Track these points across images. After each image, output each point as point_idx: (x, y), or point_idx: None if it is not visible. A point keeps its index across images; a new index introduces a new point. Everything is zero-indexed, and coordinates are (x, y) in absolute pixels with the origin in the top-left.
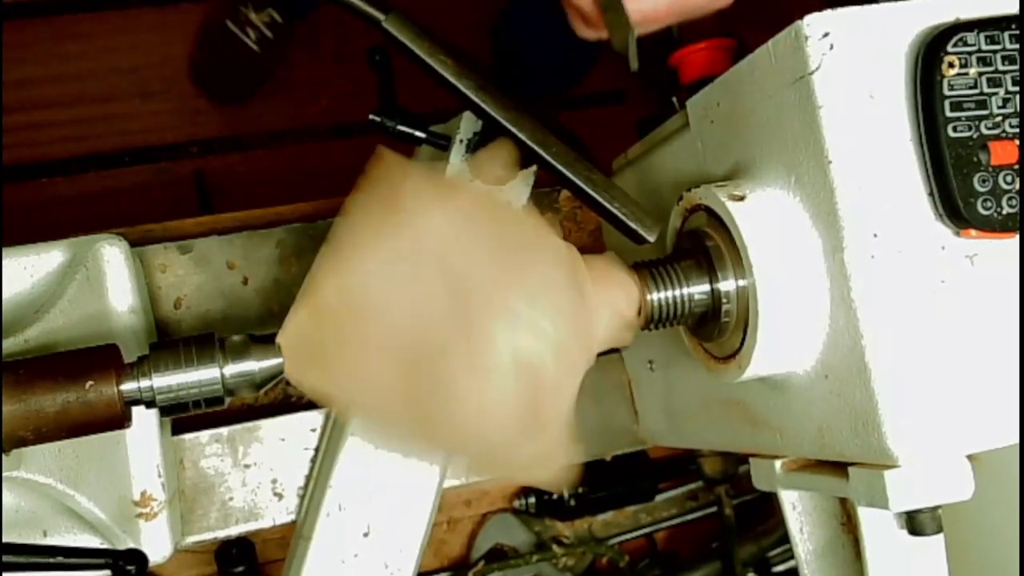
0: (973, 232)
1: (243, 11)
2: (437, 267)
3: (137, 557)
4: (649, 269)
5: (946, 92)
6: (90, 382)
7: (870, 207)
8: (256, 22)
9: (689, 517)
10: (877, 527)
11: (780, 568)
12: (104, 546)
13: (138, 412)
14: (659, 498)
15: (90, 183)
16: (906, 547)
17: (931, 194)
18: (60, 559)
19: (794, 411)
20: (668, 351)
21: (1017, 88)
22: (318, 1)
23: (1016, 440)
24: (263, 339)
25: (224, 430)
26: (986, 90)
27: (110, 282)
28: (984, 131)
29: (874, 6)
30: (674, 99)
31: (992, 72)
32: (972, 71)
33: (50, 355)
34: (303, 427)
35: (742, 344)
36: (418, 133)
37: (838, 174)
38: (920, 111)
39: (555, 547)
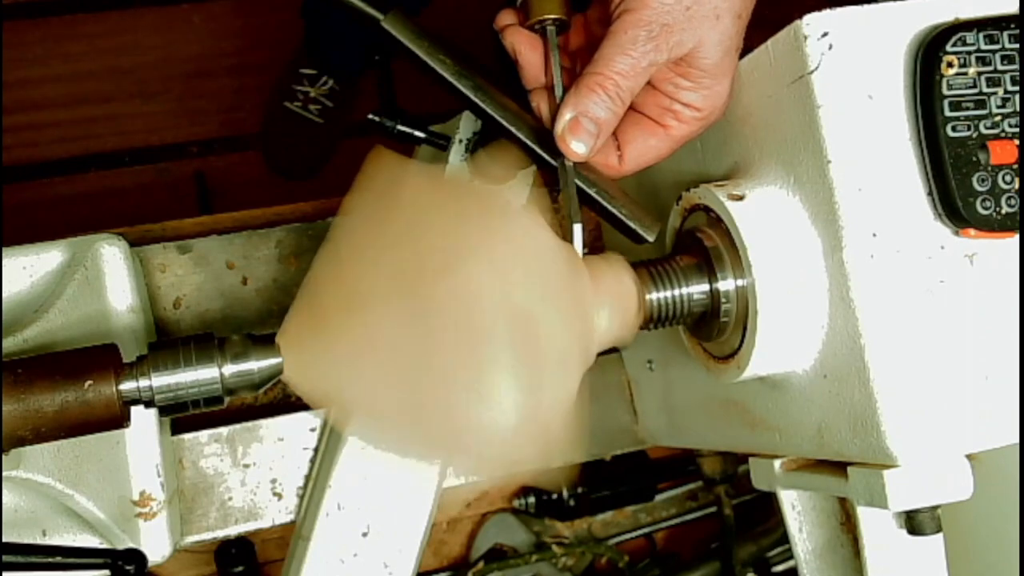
0: (972, 231)
1: (298, 89)
2: (435, 266)
3: (136, 557)
4: (648, 269)
5: (945, 92)
6: (89, 382)
7: (869, 207)
8: (315, 95)
9: (688, 517)
10: (876, 527)
11: (780, 568)
12: (103, 546)
13: (137, 412)
14: (659, 498)
15: (90, 183)
16: (905, 547)
17: (930, 194)
18: (59, 559)
19: (793, 411)
20: (667, 351)
21: (1016, 88)
22: (372, 60)
23: (1016, 440)
24: (262, 339)
25: (223, 430)
26: (985, 90)
27: (109, 282)
28: (983, 131)
29: (873, 6)
30: None
31: (991, 72)
32: (971, 71)
33: (49, 355)
34: (302, 427)
35: (741, 344)
36: (418, 133)
37: (837, 174)
38: (919, 110)
39: (554, 547)
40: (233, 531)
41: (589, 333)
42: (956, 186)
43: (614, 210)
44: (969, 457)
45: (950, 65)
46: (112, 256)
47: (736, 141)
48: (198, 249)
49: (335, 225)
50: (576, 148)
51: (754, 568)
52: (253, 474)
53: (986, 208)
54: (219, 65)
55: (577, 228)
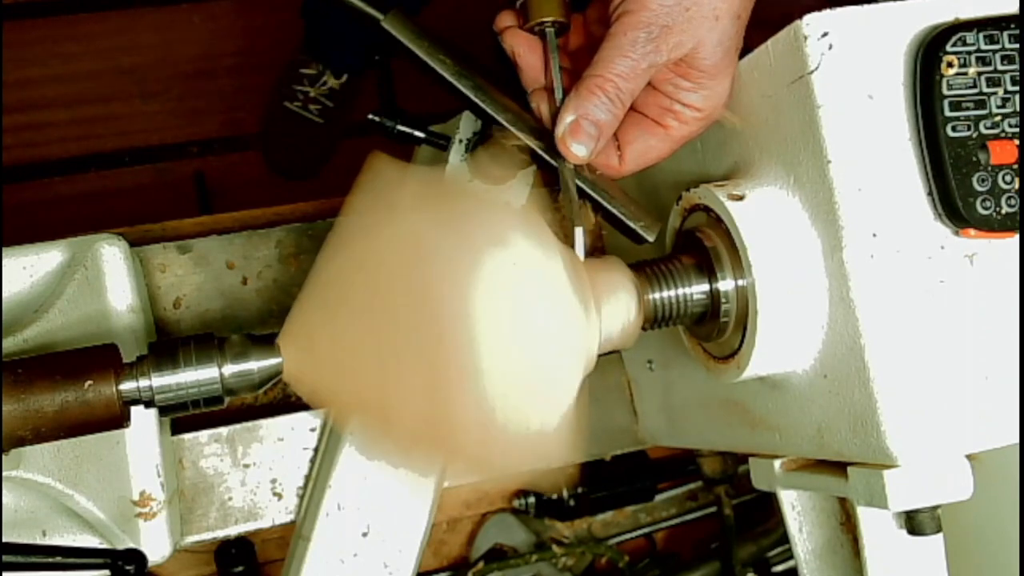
0: (972, 232)
1: (298, 89)
2: (435, 269)
3: (136, 557)
4: (648, 269)
5: (945, 92)
6: (89, 382)
7: (869, 207)
8: (315, 95)
9: (689, 517)
10: (876, 527)
11: (780, 568)
12: (103, 546)
13: (137, 412)
14: (659, 498)
15: (90, 183)
16: (905, 547)
17: (930, 194)
18: (59, 559)
19: (793, 411)
20: (667, 351)
21: (1016, 88)
22: (372, 58)
23: (1016, 440)
24: (262, 339)
25: (223, 430)
26: (985, 90)
27: (109, 282)
28: (983, 131)
29: (873, 6)
30: None
31: (991, 72)
32: (971, 71)
33: (49, 355)
34: (302, 427)
35: (741, 344)
36: (418, 133)
37: (837, 174)
38: (919, 111)
39: (555, 547)
40: (233, 531)
41: (590, 336)
42: (956, 186)
43: (614, 210)
44: (969, 457)
45: (950, 65)
46: (112, 256)
47: (736, 141)
48: (198, 249)
49: (336, 227)
50: (577, 151)
51: (754, 568)
52: (253, 474)
53: (986, 208)
54: (219, 65)
55: (579, 231)
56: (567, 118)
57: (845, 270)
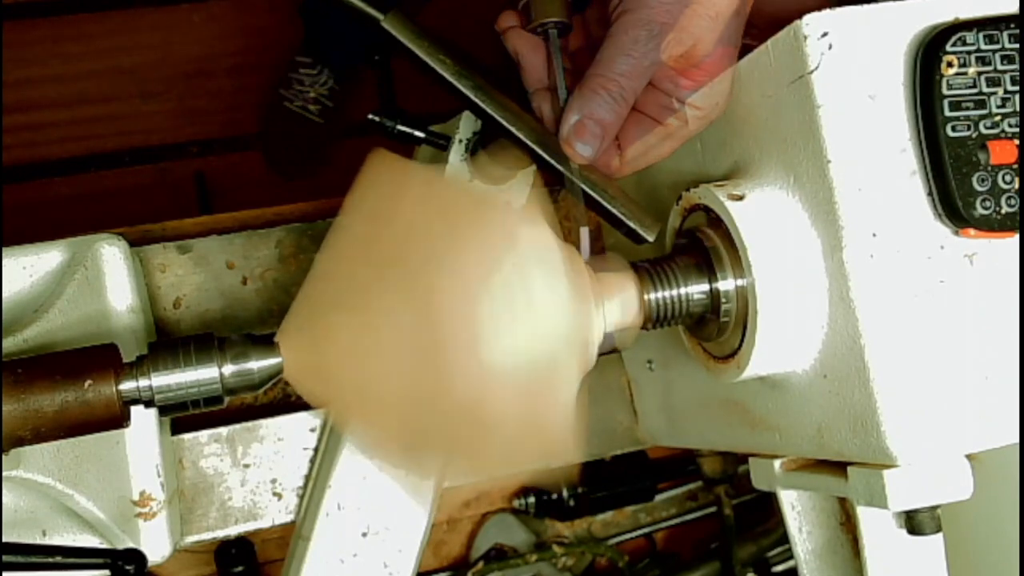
0: (972, 231)
1: (298, 89)
2: (435, 267)
3: (136, 557)
4: (648, 269)
5: (945, 91)
6: (89, 382)
7: (869, 206)
8: (314, 95)
9: (688, 517)
10: (876, 527)
11: (780, 568)
12: (103, 546)
13: (137, 412)
14: (659, 498)
15: (90, 183)
16: (905, 547)
17: (930, 194)
18: (59, 559)
19: (793, 411)
20: (667, 351)
21: (1016, 87)
22: (372, 58)
23: (1016, 440)
24: (262, 339)
25: (223, 430)
26: (985, 89)
27: (109, 282)
28: (983, 130)
29: (873, 6)
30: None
31: (991, 72)
32: (971, 70)
33: (49, 355)
34: (302, 427)
35: (741, 344)
36: (418, 133)
37: (837, 174)
38: (919, 110)
39: (555, 547)
40: (233, 531)
41: (590, 334)
42: (956, 186)
43: (614, 210)
44: (969, 457)
45: (950, 65)
46: (112, 256)
47: (736, 141)
48: (198, 249)
49: (335, 225)
50: (582, 151)
51: (754, 568)
52: (253, 474)
53: (986, 208)
54: (219, 65)
55: (584, 231)
56: (571, 118)
57: (845, 270)
